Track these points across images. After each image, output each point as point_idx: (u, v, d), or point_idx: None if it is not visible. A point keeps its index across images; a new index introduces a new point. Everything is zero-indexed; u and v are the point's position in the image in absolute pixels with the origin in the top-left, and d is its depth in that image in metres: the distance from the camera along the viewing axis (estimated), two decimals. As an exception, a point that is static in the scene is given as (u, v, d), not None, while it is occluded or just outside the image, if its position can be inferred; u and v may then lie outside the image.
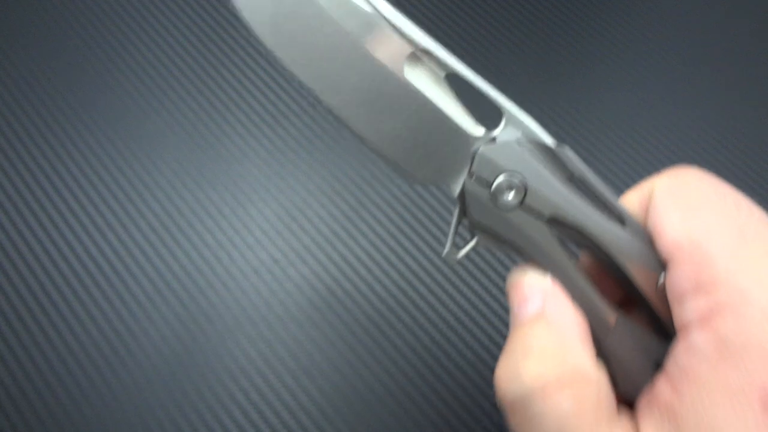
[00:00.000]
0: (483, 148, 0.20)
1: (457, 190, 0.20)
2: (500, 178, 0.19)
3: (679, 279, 0.17)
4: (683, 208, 0.18)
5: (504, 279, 0.34)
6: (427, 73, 0.21)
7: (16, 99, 0.38)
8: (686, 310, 0.16)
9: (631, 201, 0.20)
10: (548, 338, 0.18)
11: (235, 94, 0.40)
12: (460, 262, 0.30)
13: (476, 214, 0.20)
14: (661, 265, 0.19)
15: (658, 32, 0.44)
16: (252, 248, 0.35)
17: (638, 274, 0.19)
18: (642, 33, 0.43)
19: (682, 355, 0.16)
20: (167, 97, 0.39)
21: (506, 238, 0.20)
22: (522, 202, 0.19)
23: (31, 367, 0.31)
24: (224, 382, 0.31)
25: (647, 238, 0.19)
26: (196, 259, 0.34)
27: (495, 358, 0.32)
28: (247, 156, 0.38)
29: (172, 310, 0.33)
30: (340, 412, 0.31)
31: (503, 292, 0.34)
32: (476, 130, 0.21)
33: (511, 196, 0.19)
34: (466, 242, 0.21)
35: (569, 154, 0.20)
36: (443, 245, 0.35)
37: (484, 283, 0.34)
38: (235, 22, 0.42)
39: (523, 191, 0.19)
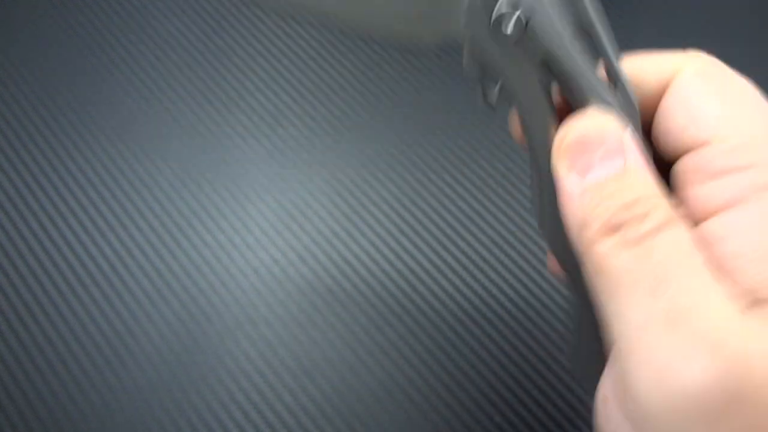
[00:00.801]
0: None
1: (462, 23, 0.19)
2: (503, 6, 0.18)
3: (708, 158, 0.17)
4: (723, 92, 0.18)
5: (505, 279, 0.34)
6: None
7: (15, 99, 0.38)
8: (726, 187, 0.16)
9: (643, 68, 0.19)
10: (649, 183, 0.17)
11: (235, 94, 0.40)
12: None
13: (476, 44, 0.19)
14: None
15: (661, 32, 0.44)
16: (252, 248, 0.35)
17: None
18: (643, 34, 0.43)
19: (727, 234, 0.16)
20: (167, 97, 0.39)
21: (503, 77, 0.19)
22: (519, 39, 0.18)
23: (30, 367, 0.31)
24: (224, 382, 0.31)
25: (635, 109, 0.18)
26: (196, 259, 0.34)
27: (496, 359, 0.32)
28: (247, 156, 0.38)
29: (172, 310, 0.33)
30: (340, 412, 0.31)
31: (504, 293, 0.34)
32: None
33: (510, 27, 0.18)
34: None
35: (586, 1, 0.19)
36: (443, 245, 0.35)
37: (485, 284, 0.34)
38: (235, 22, 0.42)
39: (524, 25, 0.18)
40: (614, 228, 0.16)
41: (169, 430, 0.30)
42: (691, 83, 0.18)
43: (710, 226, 0.17)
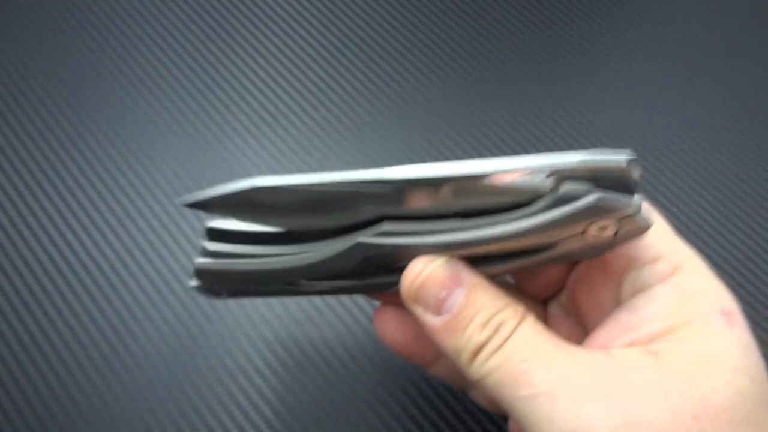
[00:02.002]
0: None
1: None
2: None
3: (637, 252, 0.21)
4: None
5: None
6: None
7: (15, 99, 0.38)
8: (646, 275, 0.21)
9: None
10: (489, 295, 0.20)
11: (235, 94, 0.40)
12: None
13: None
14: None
15: (664, 35, 0.44)
16: (252, 248, 0.35)
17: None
18: (647, 36, 0.43)
19: (648, 304, 0.21)
20: (167, 97, 0.39)
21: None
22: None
23: (30, 367, 0.31)
24: (224, 382, 0.31)
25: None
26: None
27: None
28: (247, 156, 0.38)
29: (172, 310, 0.33)
30: (340, 412, 0.31)
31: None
32: None
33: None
34: None
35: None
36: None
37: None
38: (235, 22, 0.42)
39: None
40: (480, 347, 0.20)
41: (169, 430, 0.30)
42: None
43: (634, 301, 0.21)
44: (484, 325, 0.20)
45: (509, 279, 0.28)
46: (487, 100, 0.40)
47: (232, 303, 0.33)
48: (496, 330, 0.20)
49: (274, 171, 0.37)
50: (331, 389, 0.31)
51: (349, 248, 0.20)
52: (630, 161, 0.18)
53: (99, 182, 0.36)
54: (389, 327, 0.25)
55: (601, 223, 0.19)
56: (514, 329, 0.20)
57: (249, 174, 0.37)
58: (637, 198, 0.18)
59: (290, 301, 0.33)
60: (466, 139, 0.39)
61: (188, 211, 0.35)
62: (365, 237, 0.20)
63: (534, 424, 0.18)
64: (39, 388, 0.31)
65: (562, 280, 0.25)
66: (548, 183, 0.18)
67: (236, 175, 0.37)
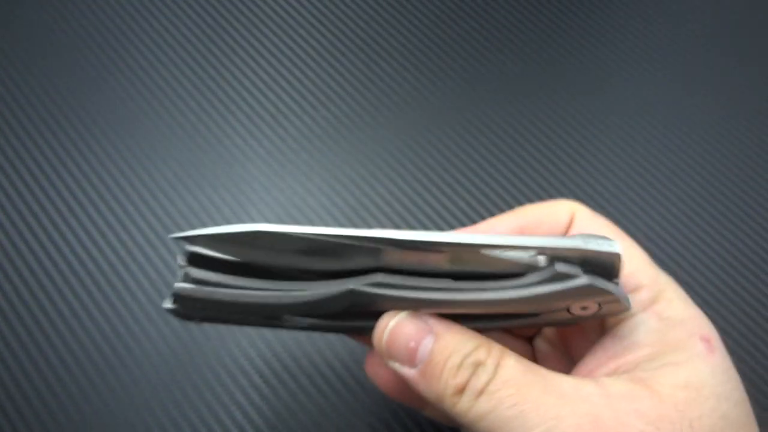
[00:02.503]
0: None
1: None
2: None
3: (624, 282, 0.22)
4: (608, 227, 0.23)
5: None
6: None
7: (15, 99, 0.38)
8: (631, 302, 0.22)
9: (548, 213, 0.24)
10: (459, 338, 0.21)
11: (235, 94, 0.40)
12: None
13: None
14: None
15: (664, 33, 0.44)
16: (252, 248, 0.35)
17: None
18: (647, 34, 0.43)
19: (632, 332, 0.21)
20: (167, 97, 0.39)
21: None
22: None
23: (30, 367, 0.31)
24: (224, 382, 0.31)
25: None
26: (196, 259, 0.34)
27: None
28: (247, 156, 0.38)
29: (172, 310, 0.33)
30: (340, 412, 0.31)
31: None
32: None
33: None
34: None
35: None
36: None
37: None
38: (235, 22, 0.42)
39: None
40: (460, 390, 0.20)
41: (169, 430, 0.30)
42: (589, 220, 0.24)
43: (618, 329, 0.22)
44: (458, 366, 0.20)
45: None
46: (486, 99, 0.40)
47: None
48: (474, 371, 0.20)
49: (274, 171, 0.37)
50: (331, 389, 0.31)
51: (341, 293, 0.20)
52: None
53: (99, 182, 0.36)
54: (380, 373, 0.25)
55: (584, 303, 0.20)
56: (495, 370, 0.20)
57: (249, 174, 0.37)
58: (620, 284, 0.21)
59: (290, 301, 0.33)
60: (465, 139, 0.39)
61: (189, 212, 0.36)
62: (358, 285, 0.20)
63: None
64: (39, 388, 0.31)
65: None
66: (542, 260, 0.20)
67: (236, 174, 0.37)
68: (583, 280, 0.20)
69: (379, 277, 0.20)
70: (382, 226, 0.36)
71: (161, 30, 0.42)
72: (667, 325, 0.21)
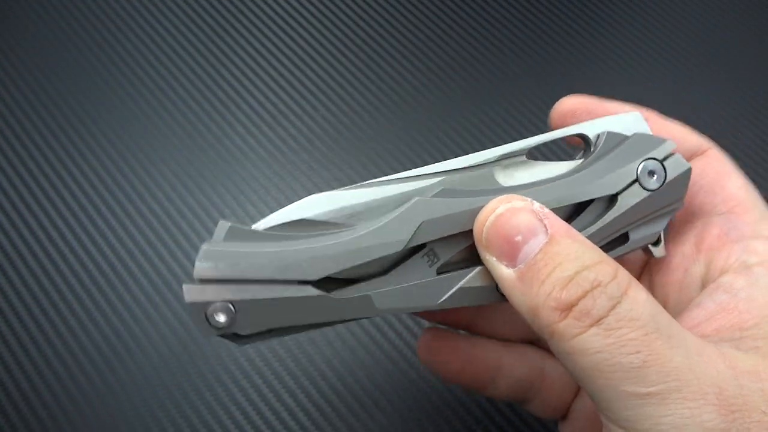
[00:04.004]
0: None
1: None
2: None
3: (736, 226, 0.20)
4: (739, 174, 0.21)
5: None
6: None
7: (15, 99, 0.38)
8: (743, 252, 0.19)
9: (678, 138, 0.22)
10: (577, 246, 0.17)
11: (235, 94, 0.40)
12: None
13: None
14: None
15: (663, 32, 0.43)
16: (252, 248, 0.35)
17: None
18: (648, 34, 0.43)
19: (748, 285, 0.18)
20: (167, 97, 0.39)
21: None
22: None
23: (30, 368, 0.31)
24: (223, 382, 0.31)
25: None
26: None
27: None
28: (247, 156, 0.38)
29: (172, 310, 0.33)
30: (339, 412, 0.31)
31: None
32: None
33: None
34: None
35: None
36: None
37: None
38: (234, 22, 0.42)
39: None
40: (565, 307, 0.16)
41: (169, 431, 0.30)
42: (720, 161, 0.21)
43: (730, 278, 0.19)
44: (570, 279, 0.16)
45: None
46: (486, 99, 0.40)
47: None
48: (590, 291, 0.16)
49: (274, 171, 0.37)
50: (330, 389, 0.31)
51: (408, 209, 0.18)
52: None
53: (99, 182, 0.36)
54: (438, 357, 0.23)
55: (649, 165, 0.20)
56: (621, 300, 0.16)
57: (249, 174, 0.37)
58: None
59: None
60: (465, 139, 0.39)
61: (189, 212, 0.35)
62: (425, 197, 0.19)
63: (634, 420, 0.16)
64: (38, 388, 0.31)
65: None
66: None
67: (236, 174, 0.37)
68: (631, 115, 0.20)
69: (445, 184, 0.19)
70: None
71: (161, 30, 0.42)
72: None
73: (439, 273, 0.19)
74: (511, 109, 0.40)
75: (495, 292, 0.19)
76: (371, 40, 0.42)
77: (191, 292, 0.18)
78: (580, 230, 0.19)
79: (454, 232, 0.19)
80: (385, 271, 0.19)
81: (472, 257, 0.19)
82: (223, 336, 0.18)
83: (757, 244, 0.19)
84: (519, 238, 0.17)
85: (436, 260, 0.19)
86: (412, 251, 0.19)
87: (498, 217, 0.18)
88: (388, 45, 0.42)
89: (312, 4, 0.43)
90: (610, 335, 0.16)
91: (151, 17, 0.42)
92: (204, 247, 0.18)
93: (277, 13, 0.43)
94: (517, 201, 0.18)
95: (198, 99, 0.39)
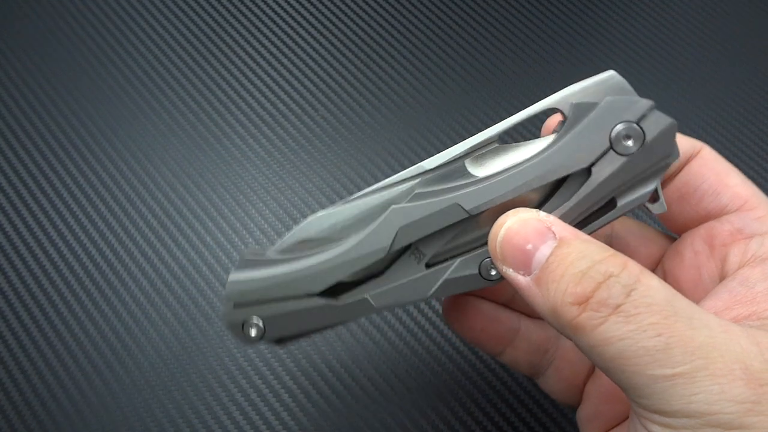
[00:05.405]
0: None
1: None
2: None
3: (748, 222, 0.20)
4: (737, 173, 0.22)
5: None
6: None
7: (14, 99, 0.39)
8: (758, 247, 0.20)
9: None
10: (586, 245, 0.18)
11: (235, 94, 0.40)
12: None
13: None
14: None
15: (663, 32, 0.43)
16: (251, 248, 0.35)
17: None
18: (645, 33, 0.43)
19: (764, 278, 0.19)
20: (167, 97, 0.39)
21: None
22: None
23: (29, 368, 0.31)
24: (223, 382, 0.31)
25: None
26: (195, 259, 0.34)
27: (487, 361, 0.32)
28: (247, 156, 0.38)
29: (171, 310, 0.33)
30: (339, 412, 0.31)
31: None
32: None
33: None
34: None
35: None
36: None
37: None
38: (234, 22, 0.42)
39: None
40: (583, 299, 0.17)
41: (168, 431, 0.30)
42: (716, 160, 0.22)
43: (747, 272, 0.19)
44: (584, 273, 0.17)
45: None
46: (486, 99, 0.40)
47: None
48: (605, 282, 0.17)
49: (274, 171, 0.37)
50: (330, 389, 0.31)
51: (384, 219, 0.20)
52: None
53: (98, 182, 0.36)
54: (461, 317, 0.24)
55: (622, 129, 0.19)
56: (635, 287, 0.17)
57: (248, 174, 0.37)
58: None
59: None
60: (465, 139, 0.39)
61: (188, 212, 0.35)
62: (399, 204, 0.21)
63: (666, 402, 0.16)
64: (37, 388, 0.31)
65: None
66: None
67: (236, 174, 0.37)
68: (605, 74, 0.20)
69: (416, 189, 0.21)
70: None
71: (161, 30, 0.42)
72: None
73: (428, 267, 0.21)
74: (511, 109, 0.40)
75: (480, 279, 0.21)
76: (371, 40, 0.42)
77: (228, 316, 0.21)
78: (557, 207, 0.20)
79: (432, 231, 0.20)
80: (380, 273, 0.21)
81: (454, 249, 0.21)
82: (258, 342, 0.22)
83: None
84: (530, 246, 0.18)
85: (422, 257, 0.21)
86: (401, 251, 0.21)
87: (507, 230, 0.19)
88: (388, 45, 0.42)
89: (312, 4, 0.43)
90: (630, 321, 0.16)
91: (151, 17, 0.42)
92: (231, 277, 0.21)
93: (276, 13, 0.43)
94: (522, 213, 0.19)
95: (198, 99, 0.39)
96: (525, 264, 0.18)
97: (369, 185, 0.37)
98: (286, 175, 0.37)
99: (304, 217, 0.36)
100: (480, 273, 0.21)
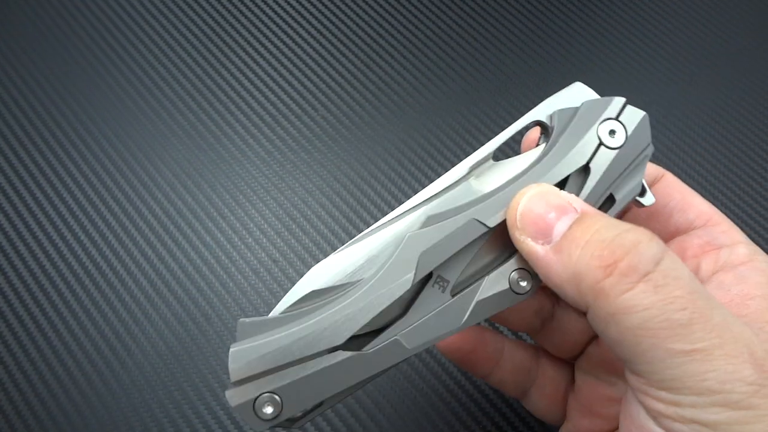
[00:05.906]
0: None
1: None
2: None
3: (716, 236, 0.22)
4: (695, 192, 0.23)
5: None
6: None
7: (14, 100, 0.39)
8: (728, 256, 0.21)
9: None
10: (612, 221, 0.18)
11: (234, 94, 0.40)
12: None
13: None
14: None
15: (661, 32, 0.43)
16: (251, 249, 0.35)
17: None
18: (649, 34, 0.43)
19: (738, 282, 0.20)
20: (167, 97, 0.39)
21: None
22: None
23: (29, 368, 0.31)
24: (223, 382, 0.31)
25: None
26: (195, 259, 0.34)
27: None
28: (247, 156, 0.38)
29: (171, 310, 0.33)
30: (338, 412, 0.31)
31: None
32: None
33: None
34: None
35: None
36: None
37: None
38: (234, 22, 0.42)
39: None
40: (610, 264, 0.17)
41: (168, 431, 0.30)
42: (679, 183, 0.23)
43: (721, 277, 0.21)
44: (610, 241, 0.17)
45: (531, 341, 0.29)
46: (486, 99, 0.40)
47: (231, 303, 0.33)
48: (634, 248, 0.17)
49: (274, 171, 0.37)
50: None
51: (403, 247, 0.19)
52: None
53: (98, 182, 0.36)
54: (455, 338, 0.25)
55: (607, 125, 0.20)
56: (663, 257, 0.17)
57: (248, 174, 0.37)
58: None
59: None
60: (465, 139, 0.39)
61: (188, 212, 0.35)
62: (415, 231, 0.20)
63: (679, 379, 0.16)
64: (37, 388, 0.31)
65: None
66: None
67: (236, 174, 0.37)
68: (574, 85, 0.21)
69: (428, 211, 0.20)
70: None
71: (161, 30, 0.42)
72: None
73: (453, 295, 0.20)
74: (511, 109, 0.40)
75: (511, 294, 0.20)
76: (371, 40, 0.42)
77: (234, 396, 0.18)
78: None
79: (454, 252, 0.20)
80: (404, 312, 0.20)
81: (476, 273, 0.20)
82: (277, 425, 0.19)
83: (738, 249, 0.21)
84: (552, 215, 0.18)
85: (446, 284, 0.20)
86: (421, 285, 0.20)
87: (530, 199, 0.19)
88: (388, 45, 0.42)
89: (312, 4, 0.43)
90: (658, 291, 0.16)
91: (151, 17, 0.42)
92: (232, 350, 0.18)
93: (276, 13, 0.43)
94: (544, 185, 0.19)
95: (198, 99, 0.39)
96: (545, 232, 0.18)
97: (369, 185, 0.37)
98: (286, 175, 0.37)
99: (305, 216, 0.36)
100: (510, 287, 0.20)
